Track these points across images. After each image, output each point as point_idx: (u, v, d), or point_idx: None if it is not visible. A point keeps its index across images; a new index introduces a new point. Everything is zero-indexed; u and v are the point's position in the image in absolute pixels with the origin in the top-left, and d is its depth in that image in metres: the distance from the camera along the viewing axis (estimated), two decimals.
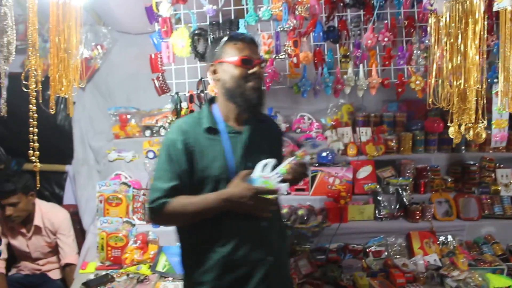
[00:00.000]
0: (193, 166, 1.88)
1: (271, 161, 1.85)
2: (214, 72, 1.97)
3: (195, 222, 1.91)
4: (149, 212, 1.89)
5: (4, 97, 1.61)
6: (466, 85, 1.57)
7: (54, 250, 3.56)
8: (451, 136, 1.79)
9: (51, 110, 1.67)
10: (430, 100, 1.71)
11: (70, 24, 1.56)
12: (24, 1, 3.18)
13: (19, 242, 3.48)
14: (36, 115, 1.67)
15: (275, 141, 2.17)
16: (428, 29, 1.84)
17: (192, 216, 1.86)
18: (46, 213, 3.50)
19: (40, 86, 1.66)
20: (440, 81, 1.67)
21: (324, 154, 3.35)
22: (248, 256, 1.91)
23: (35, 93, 1.65)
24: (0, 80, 1.56)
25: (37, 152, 1.66)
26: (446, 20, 1.63)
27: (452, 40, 1.61)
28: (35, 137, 1.67)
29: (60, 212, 3.58)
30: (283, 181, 1.85)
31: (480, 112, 1.64)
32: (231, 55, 1.89)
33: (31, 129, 1.66)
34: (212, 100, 2.04)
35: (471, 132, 1.68)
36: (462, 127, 1.70)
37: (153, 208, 1.85)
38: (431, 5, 1.74)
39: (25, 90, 1.48)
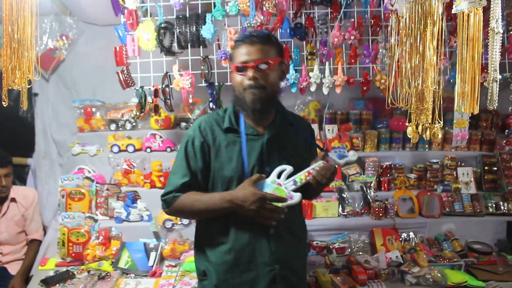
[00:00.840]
0: (209, 164, 1.90)
1: (288, 168, 1.82)
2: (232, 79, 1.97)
3: (206, 220, 1.96)
4: (162, 203, 1.94)
5: None
6: (424, 86, 1.59)
7: (20, 234, 3.50)
8: (409, 136, 1.82)
9: (4, 103, 1.61)
10: (389, 99, 1.73)
11: (25, 14, 1.50)
12: None
13: None
14: None
15: (303, 145, 2.04)
16: (389, 29, 1.86)
17: (199, 213, 1.90)
18: (18, 188, 3.59)
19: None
20: (399, 80, 1.68)
21: None
22: (253, 262, 1.88)
23: None
24: None
25: None
26: (406, 21, 1.65)
27: (411, 41, 1.62)
28: None
29: (30, 189, 3.69)
30: (298, 190, 1.80)
31: (437, 112, 1.66)
32: (234, 60, 1.89)
33: None
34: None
35: (428, 132, 1.71)
36: (420, 127, 1.72)
37: (165, 200, 1.91)
38: (392, 5, 1.75)
39: None
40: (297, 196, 1.78)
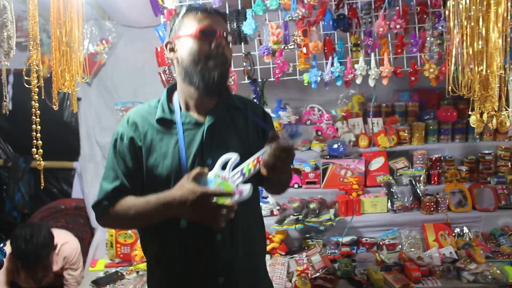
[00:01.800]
0: (142, 164, 1.61)
1: (233, 157, 1.50)
2: (172, 50, 1.65)
3: (144, 234, 1.72)
4: (95, 213, 1.66)
5: (10, 94, 1.56)
6: (488, 71, 1.49)
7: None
8: (472, 125, 1.71)
9: (54, 107, 1.61)
10: (450, 87, 1.63)
11: (72, 17, 1.50)
12: None
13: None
14: (38, 111, 1.61)
15: (253, 132, 1.72)
16: (446, 12, 1.75)
17: (135, 222, 1.63)
18: (60, 250, 3.13)
19: (42, 82, 1.60)
20: (460, 67, 1.58)
21: (335, 145, 3.29)
22: (200, 275, 1.63)
23: (37, 89, 1.60)
24: (1, 77, 1.50)
25: (41, 150, 1.61)
26: (465, 3, 1.55)
27: (472, 24, 1.52)
28: (38, 135, 1.61)
29: (72, 244, 3.23)
30: (247, 181, 1.49)
31: (503, 99, 1.56)
32: (189, 27, 1.58)
33: (33, 126, 1.60)
34: (173, 87, 1.73)
35: (494, 120, 1.60)
36: (485, 116, 1.62)
37: (97, 211, 1.64)
38: None
39: (26, 83, 1.42)
40: (246, 190, 1.47)
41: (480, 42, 1.50)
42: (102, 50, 3.69)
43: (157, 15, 2.82)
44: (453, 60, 1.64)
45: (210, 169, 1.50)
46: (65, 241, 3.16)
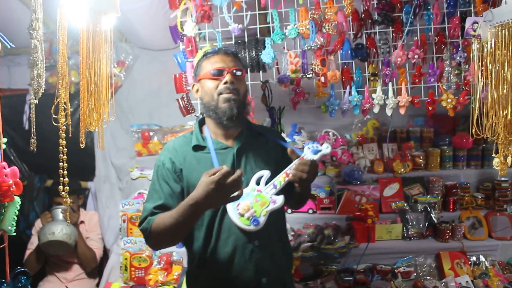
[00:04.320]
0: (182, 186, 1.87)
1: (266, 173, 1.83)
2: (197, 91, 1.99)
3: (188, 246, 1.94)
4: (143, 235, 1.85)
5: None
6: None
7: None
8: (496, 168, 1.71)
9: (82, 145, 1.63)
10: (474, 130, 1.63)
11: (100, 57, 1.52)
12: (49, 20, 3.19)
13: None
14: (66, 149, 1.63)
15: (275, 152, 2.02)
16: (471, 55, 1.76)
17: (174, 230, 1.75)
18: (86, 213, 3.80)
19: (70, 120, 1.62)
20: (484, 110, 1.59)
21: (351, 171, 3.29)
22: (239, 278, 1.84)
23: (64, 127, 1.61)
24: (30, 114, 1.52)
25: (67, 188, 1.62)
26: (490, 47, 1.55)
27: (497, 68, 1.53)
28: (65, 172, 1.63)
29: (93, 213, 3.84)
30: (279, 193, 1.80)
31: None
32: (205, 70, 1.91)
33: (61, 164, 1.62)
34: (203, 120, 2.05)
35: None
36: (509, 159, 1.62)
37: (142, 229, 1.83)
38: (475, 31, 1.66)
39: (54, 121, 1.44)
40: (279, 199, 1.78)
41: (505, 86, 1.51)
42: (119, 72, 3.73)
43: (176, 42, 2.84)
44: (477, 104, 1.63)
45: (244, 187, 1.74)
46: (88, 212, 3.84)
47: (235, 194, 1.62)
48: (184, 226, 1.75)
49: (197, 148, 1.92)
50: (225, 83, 1.85)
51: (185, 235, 1.85)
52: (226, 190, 1.61)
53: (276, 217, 1.88)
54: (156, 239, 1.83)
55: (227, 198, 1.64)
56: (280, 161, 1.95)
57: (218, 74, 1.87)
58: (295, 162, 1.83)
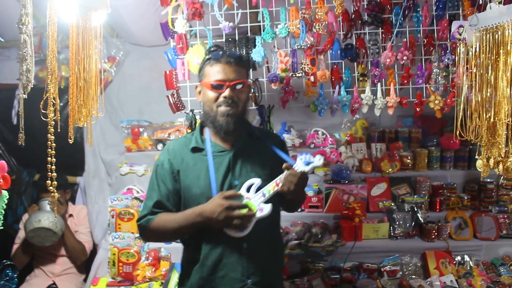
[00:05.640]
0: (179, 186, 1.94)
1: (257, 181, 1.86)
2: (199, 93, 2.02)
3: (184, 244, 2.02)
4: (138, 229, 1.97)
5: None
6: (496, 118, 1.52)
7: None
8: (479, 169, 1.74)
9: (70, 140, 1.64)
10: (458, 132, 1.66)
11: (90, 53, 1.53)
12: (39, 14, 3.17)
13: None
14: (54, 144, 1.63)
15: (272, 157, 2.03)
16: (456, 59, 1.79)
17: (174, 232, 1.92)
18: (75, 207, 3.77)
19: (59, 116, 1.62)
20: (468, 112, 1.61)
21: (339, 170, 3.32)
22: (226, 277, 1.88)
23: (53, 122, 1.62)
24: (18, 109, 1.53)
25: (55, 182, 1.63)
26: (475, 51, 1.58)
27: (482, 71, 1.56)
28: (53, 167, 1.63)
29: (81, 206, 3.83)
30: (268, 202, 1.83)
31: (510, 146, 1.58)
32: (207, 78, 1.92)
33: (49, 158, 1.62)
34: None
35: (501, 166, 1.63)
36: (491, 161, 1.65)
37: (140, 225, 1.94)
38: (460, 34, 1.68)
39: (43, 116, 1.44)
40: (267, 208, 1.81)
41: (488, 90, 1.53)
42: (109, 67, 3.72)
43: (167, 39, 2.84)
44: (461, 106, 1.66)
45: (236, 189, 1.87)
46: (77, 206, 3.83)
47: (236, 222, 1.76)
48: (184, 231, 1.90)
49: (195, 150, 1.97)
50: (224, 97, 1.87)
51: (181, 238, 2.02)
52: (231, 218, 1.76)
53: (268, 222, 1.89)
54: (153, 236, 2.01)
55: (230, 224, 1.78)
56: (276, 167, 1.93)
57: (218, 87, 1.88)
58: (286, 172, 1.84)
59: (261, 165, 1.98)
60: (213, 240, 1.89)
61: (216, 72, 1.89)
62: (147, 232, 1.92)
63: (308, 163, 1.84)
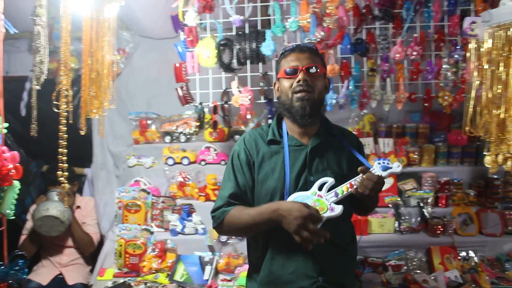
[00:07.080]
0: (254, 177, 1.90)
1: (330, 180, 1.78)
2: (278, 90, 1.98)
3: (252, 239, 1.97)
4: (212, 220, 1.92)
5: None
6: (506, 115, 1.52)
7: None
8: (487, 165, 1.74)
9: (82, 132, 1.66)
10: (467, 128, 1.66)
11: (103, 45, 1.54)
12: (49, 5, 3.18)
13: None
14: (66, 135, 1.65)
15: (347, 157, 1.97)
16: (468, 55, 1.78)
17: (247, 227, 1.83)
18: (82, 198, 3.76)
19: (71, 107, 1.64)
20: (478, 109, 1.62)
21: None
22: (296, 274, 1.84)
23: (65, 113, 1.63)
24: (31, 100, 1.54)
25: (66, 173, 1.65)
26: (487, 47, 1.58)
27: (493, 68, 1.56)
28: (65, 158, 1.65)
29: (89, 198, 3.83)
30: (340, 203, 1.75)
31: None
32: (280, 70, 1.92)
33: (60, 149, 1.64)
34: (282, 114, 2.03)
35: (509, 162, 1.63)
36: (500, 157, 1.65)
37: (214, 217, 1.90)
38: (472, 30, 1.68)
39: (55, 107, 1.46)
40: (338, 208, 1.73)
41: (499, 86, 1.53)
42: (119, 59, 3.73)
43: (177, 32, 2.85)
44: (471, 102, 1.66)
45: (311, 185, 1.79)
46: (85, 197, 3.84)
47: (307, 235, 1.63)
48: (258, 227, 1.81)
49: (272, 142, 1.94)
50: (299, 81, 1.84)
51: (254, 234, 1.93)
52: (304, 228, 1.63)
53: (337, 223, 1.79)
54: (227, 230, 1.92)
55: (299, 233, 1.65)
56: (351, 168, 1.88)
57: (292, 73, 1.86)
58: (362, 175, 1.74)
59: (336, 164, 1.92)
60: (284, 235, 1.77)
61: (290, 60, 1.88)
62: (221, 225, 1.88)
63: (385, 168, 1.75)
